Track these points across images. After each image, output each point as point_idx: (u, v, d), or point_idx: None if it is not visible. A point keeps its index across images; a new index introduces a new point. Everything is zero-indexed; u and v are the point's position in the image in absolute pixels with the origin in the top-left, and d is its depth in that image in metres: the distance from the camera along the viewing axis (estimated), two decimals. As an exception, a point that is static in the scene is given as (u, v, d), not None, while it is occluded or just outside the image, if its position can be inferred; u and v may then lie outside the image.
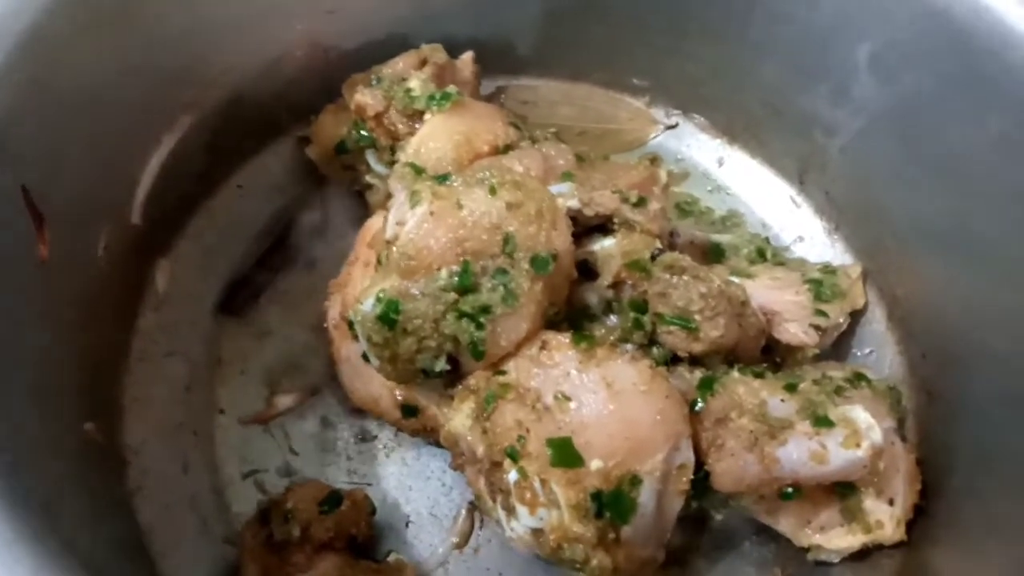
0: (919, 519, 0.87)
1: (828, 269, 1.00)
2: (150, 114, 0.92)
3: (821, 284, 0.97)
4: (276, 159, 1.07)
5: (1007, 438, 0.81)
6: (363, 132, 0.97)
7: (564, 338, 0.77)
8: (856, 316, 1.01)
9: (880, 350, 1.00)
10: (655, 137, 1.14)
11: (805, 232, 1.09)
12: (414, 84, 0.95)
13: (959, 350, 0.90)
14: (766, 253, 1.02)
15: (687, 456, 0.75)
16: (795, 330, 0.92)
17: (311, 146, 1.03)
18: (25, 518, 0.62)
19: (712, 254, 1.01)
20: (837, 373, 0.91)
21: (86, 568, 0.63)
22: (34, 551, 0.59)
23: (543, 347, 0.76)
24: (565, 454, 0.71)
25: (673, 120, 1.15)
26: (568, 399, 0.73)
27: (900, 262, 0.99)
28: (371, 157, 0.99)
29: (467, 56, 1.03)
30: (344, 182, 1.04)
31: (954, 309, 0.92)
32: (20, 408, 0.74)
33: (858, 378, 0.91)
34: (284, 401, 0.94)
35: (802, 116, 1.05)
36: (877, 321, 1.01)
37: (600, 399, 0.73)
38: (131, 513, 0.85)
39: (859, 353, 1.01)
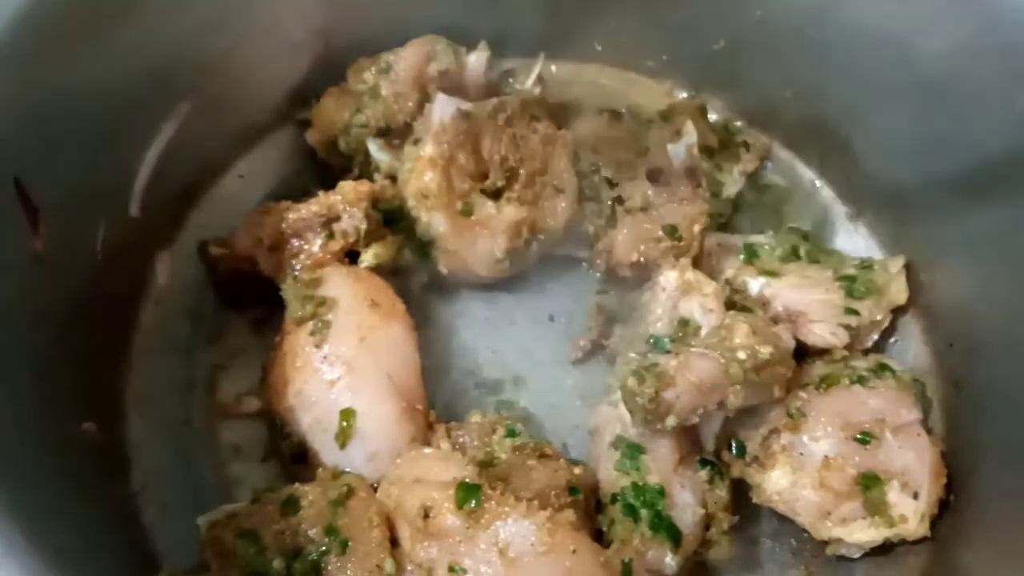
0: (946, 515, 0.84)
1: (866, 264, 0.96)
2: (147, 103, 0.89)
3: (855, 280, 0.92)
4: (277, 147, 1.04)
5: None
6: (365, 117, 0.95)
7: (446, 502, 0.70)
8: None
9: (904, 339, 0.97)
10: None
11: (827, 218, 1.05)
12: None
13: (987, 340, 0.87)
14: (800, 251, 0.97)
15: None
16: (821, 331, 0.88)
17: (310, 131, 1.00)
18: (19, 528, 0.60)
19: (745, 255, 0.96)
20: (860, 363, 0.88)
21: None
22: (28, 564, 0.57)
23: (425, 515, 0.70)
24: None
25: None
26: (464, 572, 0.68)
27: (925, 248, 0.95)
28: (372, 144, 0.96)
29: (481, 57, 1.00)
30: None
31: (981, 298, 0.89)
32: (17, 409, 0.72)
33: (882, 368, 0.88)
34: (252, 403, 0.91)
35: (821, 95, 1.01)
36: (901, 309, 0.98)
37: (496, 567, 0.67)
38: (134, 514, 0.83)
39: (883, 341, 0.97)
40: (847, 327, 0.89)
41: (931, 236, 0.95)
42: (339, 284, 0.86)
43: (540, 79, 1.04)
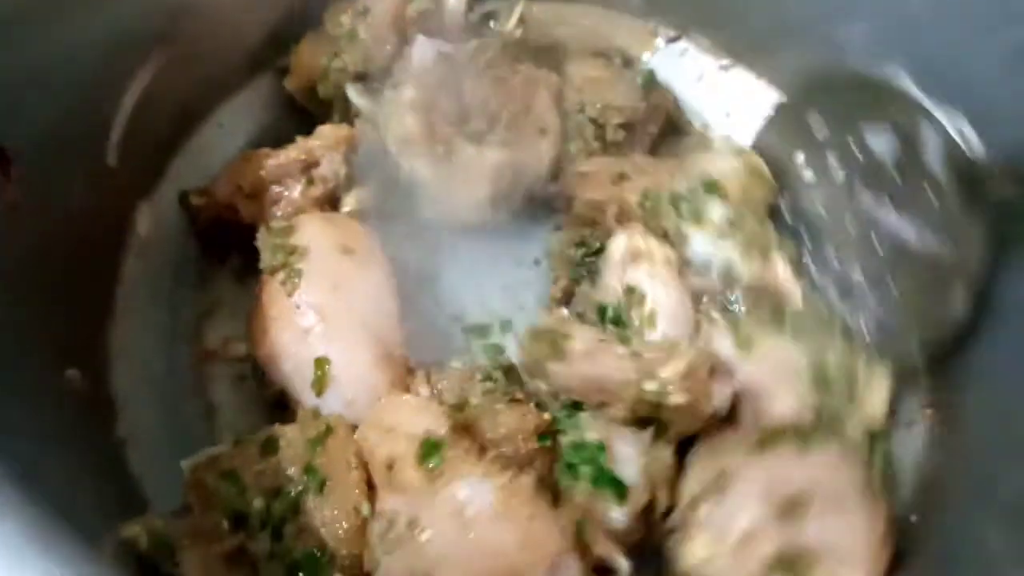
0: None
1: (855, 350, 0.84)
2: (121, 50, 0.87)
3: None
4: (257, 95, 1.03)
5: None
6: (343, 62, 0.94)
7: (410, 456, 0.70)
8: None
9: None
10: (655, 54, 1.09)
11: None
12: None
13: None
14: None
15: (571, 574, 0.69)
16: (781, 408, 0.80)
17: (289, 77, 0.99)
18: (11, 484, 0.59)
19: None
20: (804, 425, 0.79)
21: (79, 529, 0.61)
22: (23, 519, 0.57)
23: (389, 467, 0.70)
24: None
25: (675, 35, 1.09)
26: (421, 528, 0.67)
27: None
28: (351, 90, 0.95)
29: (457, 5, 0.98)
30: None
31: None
32: (4, 366, 0.71)
33: (828, 426, 0.79)
34: (239, 348, 0.90)
35: (810, 34, 0.99)
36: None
37: (452, 528, 0.66)
38: (122, 462, 0.83)
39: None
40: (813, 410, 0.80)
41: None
42: (312, 232, 0.85)
43: (522, 20, 1.02)
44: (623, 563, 0.74)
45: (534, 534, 0.67)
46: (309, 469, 0.72)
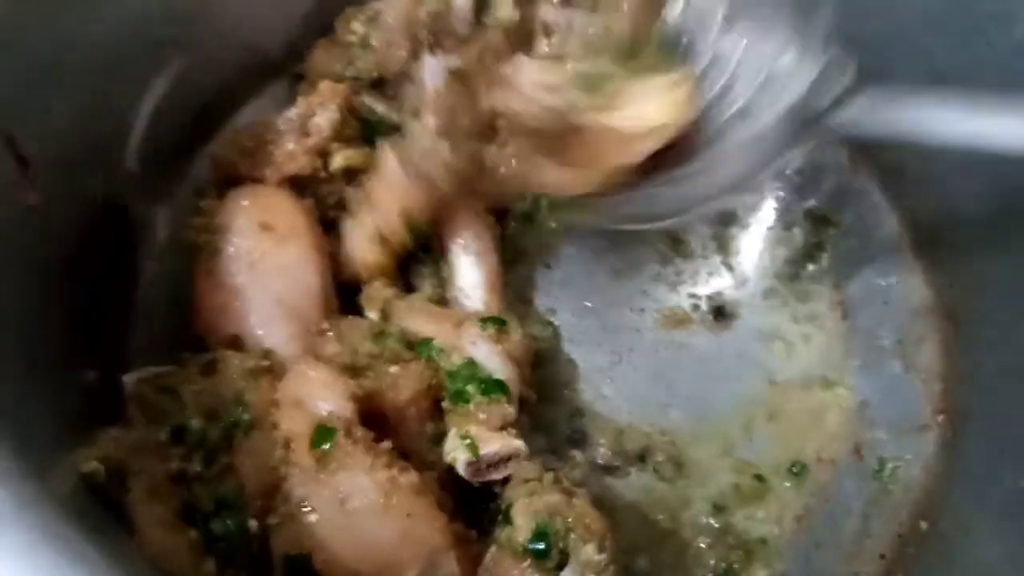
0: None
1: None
2: (138, 55, 0.88)
3: None
4: (273, 102, 1.03)
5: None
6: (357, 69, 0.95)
7: (304, 437, 0.71)
8: (880, 245, 0.97)
9: (906, 279, 0.96)
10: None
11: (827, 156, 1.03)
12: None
13: (987, 275, 0.86)
14: None
15: (449, 570, 0.70)
16: None
17: (302, 84, 1.00)
18: (27, 481, 0.61)
19: None
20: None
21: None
22: (37, 517, 0.58)
23: (285, 444, 0.71)
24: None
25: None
26: (310, 508, 0.69)
27: (922, 184, 0.95)
28: (367, 97, 0.95)
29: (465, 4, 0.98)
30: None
31: (981, 230, 0.88)
32: (20, 366, 0.72)
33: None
34: None
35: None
36: (903, 249, 0.98)
37: (336, 516, 0.68)
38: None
39: (883, 283, 0.97)
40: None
41: (930, 172, 0.93)
42: (233, 209, 0.86)
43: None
44: (520, 444, 0.76)
45: (413, 531, 0.69)
46: (241, 402, 0.73)
